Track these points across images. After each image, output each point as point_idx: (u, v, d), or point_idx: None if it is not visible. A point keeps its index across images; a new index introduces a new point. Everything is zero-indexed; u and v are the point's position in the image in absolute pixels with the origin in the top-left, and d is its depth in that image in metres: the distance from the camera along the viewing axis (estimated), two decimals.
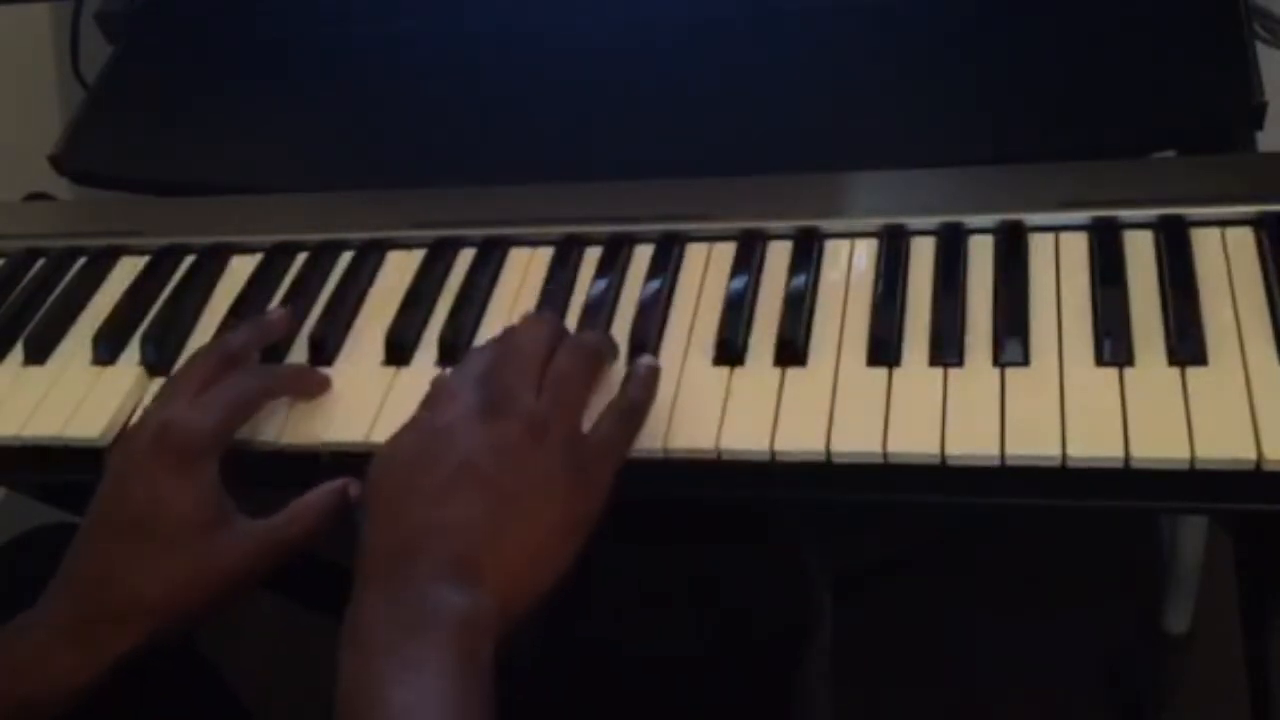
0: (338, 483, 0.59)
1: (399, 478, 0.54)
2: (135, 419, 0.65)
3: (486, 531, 0.52)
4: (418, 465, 0.54)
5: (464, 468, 0.53)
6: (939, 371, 0.59)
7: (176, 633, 0.58)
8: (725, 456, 0.58)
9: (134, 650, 0.56)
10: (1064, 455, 0.54)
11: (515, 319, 0.67)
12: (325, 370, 0.67)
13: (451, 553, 0.51)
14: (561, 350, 0.60)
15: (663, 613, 0.71)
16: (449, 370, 0.63)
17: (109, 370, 0.70)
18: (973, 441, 0.56)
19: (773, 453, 0.57)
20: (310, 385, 0.65)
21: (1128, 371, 0.57)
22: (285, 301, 0.71)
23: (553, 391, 0.57)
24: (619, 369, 0.62)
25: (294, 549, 0.59)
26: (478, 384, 0.57)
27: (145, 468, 0.58)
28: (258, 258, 0.75)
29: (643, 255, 0.69)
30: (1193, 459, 0.53)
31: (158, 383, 0.68)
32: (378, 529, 0.53)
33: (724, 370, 0.62)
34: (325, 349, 0.68)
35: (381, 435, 0.61)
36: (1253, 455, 0.53)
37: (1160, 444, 0.54)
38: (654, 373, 0.60)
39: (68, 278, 0.77)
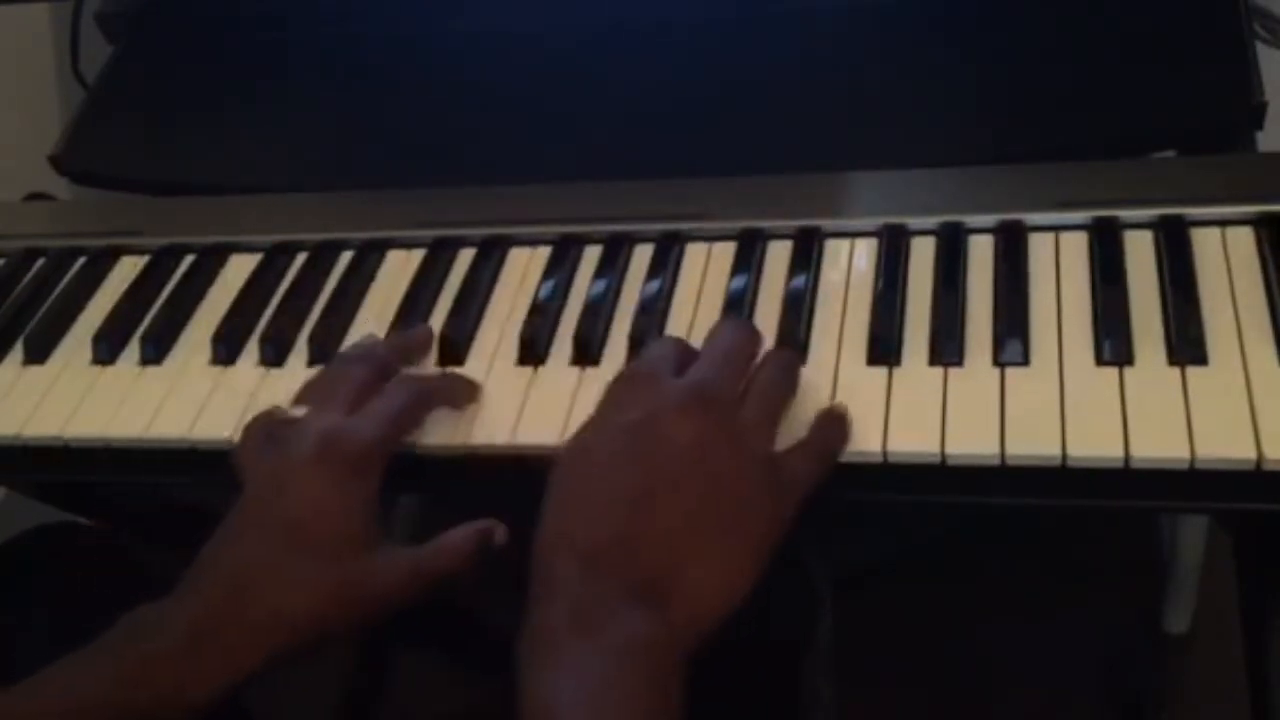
0: (483, 523, 0.57)
1: (591, 477, 0.51)
2: (251, 417, 0.62)
3: (682, 548, 0.49)
4: (611, 465, 0.51)
5: (664, 470, 0.50)
6: (939, 371, 0.59)
7: (304, 653, 0.54)
8: None
9: (263, 665, 0.53)
10: (1064, 455, 0.54)
11: (515, 319, 0.67)
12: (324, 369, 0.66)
13: (644, 570, 0.49)
14: (768, 361, 0.57)
15: None
16: (641, 352, 0.60)
17: (109, 370, 0.70)
18: (973, 441, 0.56)
19: None
20: (461, 393, 0.62)
21: (1128, 371, 0.57)
22: (285, 301, 0.71)
23: (759, 401, 0.55)
24: None
25: (438, 583, 0.56)
26: (679, 374, 0.54)
27: (308, 475, 0.55)
28: (258, 258, 0.75)
29: (643, 255, 0.69)
30: (1193, 459, 0.53)
31: (156, 380, 0.68)
32: (566, 529, 0.50)
33: None
34: (325, 349, 0.68)
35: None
36: (1253, 455, 0.53)
37: (1160, 444, 0.54)
38: (846, 420, 0.56)
39: (68, 278, 0.77)
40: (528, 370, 0.64)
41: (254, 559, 0.54)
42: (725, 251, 0.68)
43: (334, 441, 0.56)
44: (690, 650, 0.48)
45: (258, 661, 0.53)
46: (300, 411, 0.60)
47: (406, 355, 0.65)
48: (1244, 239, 0.63)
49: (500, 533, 0.57)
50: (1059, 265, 0.63)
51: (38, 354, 0.72)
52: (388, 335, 0.68)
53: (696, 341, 0.63)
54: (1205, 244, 0.63)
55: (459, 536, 0.56)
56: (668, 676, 0.47)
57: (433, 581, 0.56)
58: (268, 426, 0.60)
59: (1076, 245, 0.64)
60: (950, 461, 0.56)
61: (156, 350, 0.70)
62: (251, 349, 0.69)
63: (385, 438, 0.58)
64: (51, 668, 0.53)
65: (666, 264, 0.68)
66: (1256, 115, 0.70)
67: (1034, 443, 0.55)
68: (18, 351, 0.72)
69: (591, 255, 0.70)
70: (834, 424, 0.56)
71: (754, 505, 0.51)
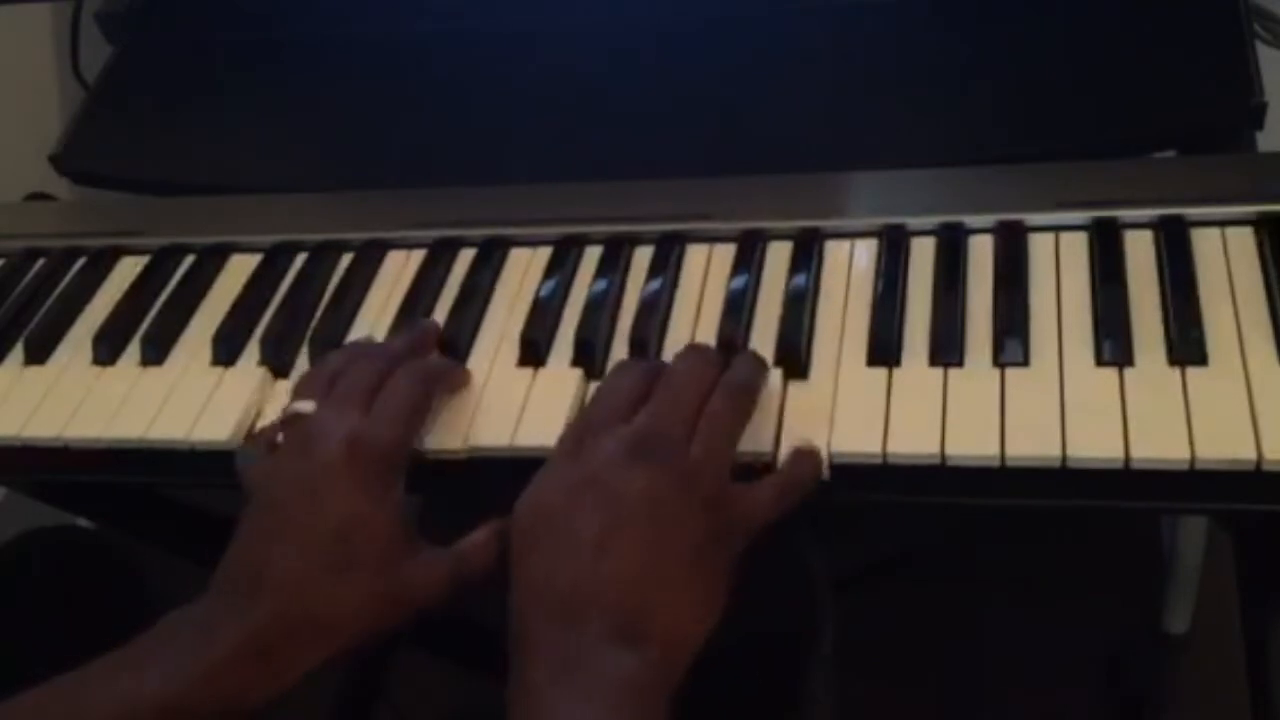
0: (500, 523, 0.56)
1: (552, 529, 0.52)
2: (264, 422, 0.63)
3: (648, 588, 0.50)
4: (570, 516, 0.52)
5: (619, 518, 0.51)
6: (939, 371, 0.59)
7: (356, 652, 0.55)
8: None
9: (319, 668, 0.54)
10: (1064, 455, 0.54)
11: (516, 320, 0.67)
12: None
13: (617, 612, 0.49)
14: (719, 392, 0.57)
15: None
16: (590, 396, 0.60)
17: (109, 371, 0.70)
18: (973, 442, 0.56)
19: (774, 453, 0.57)
20: (457, 380, 0.63)
21: (1128, 371, 0.57)
22: (285, 302, 0.71)
23: (706, 439, 0.55)
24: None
25: (476, 581, 0.56)
26: (631, 424, 0.55)
27: (342, 483, 0.55)
28: (258, 258, 0.75)
29: (643, 255, 0.69)
30: (1193, 459, 0.53)
31: (156, 381, 0.68)
32: (534, 587, 0.51)
33: None
34: (326, 349, 0.68)
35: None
36: (1253, 455, 0.53)
37: (1160, 444, 0.54)
38: (818, 459, 0.57)
39: (68, 278, 0.77)
40: (528, 371, 0.64)
41: (302, 574, 0.54)
42: (726, 252, 0.68)
43: (362, 447, 0.56)
44: (672, 684, 0.49)
45: (315, 665, 0.54)
46: (306, 407, 0.60)
47: (413, 350, 0.65)
48: (1244, 239, 0.63)
49: None
50: (1059, 265, 0.63)
51: (38, 354, 0.72)
52: (390, 333, 0.68)
53: (697, 341, 0.64)
54: (1205, 244, 0.63)
55: (486, 536, 0.57)
56: (654, 713, 0.47)
57: (473, 579, 0.56)
58: (278, 428, 0.60)
59: (1076, 245, 0.64)
60: (950, 462, 0.56)
61: (157, 351, 0.70)
62: (252, 350, 0.69)
63: (408, 437, 0.58)
64: (80, 672, 0.53)
65: (667, 265, 0.68)
66: (1256, 115, 0.70)
67: (1034, 443, 0.55)
68: (18, 352, 0.72)
69: (592, 256, 0.70)
70: (803, 461, 0.57)
71: (708, 540, 0.52)
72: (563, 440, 0.57)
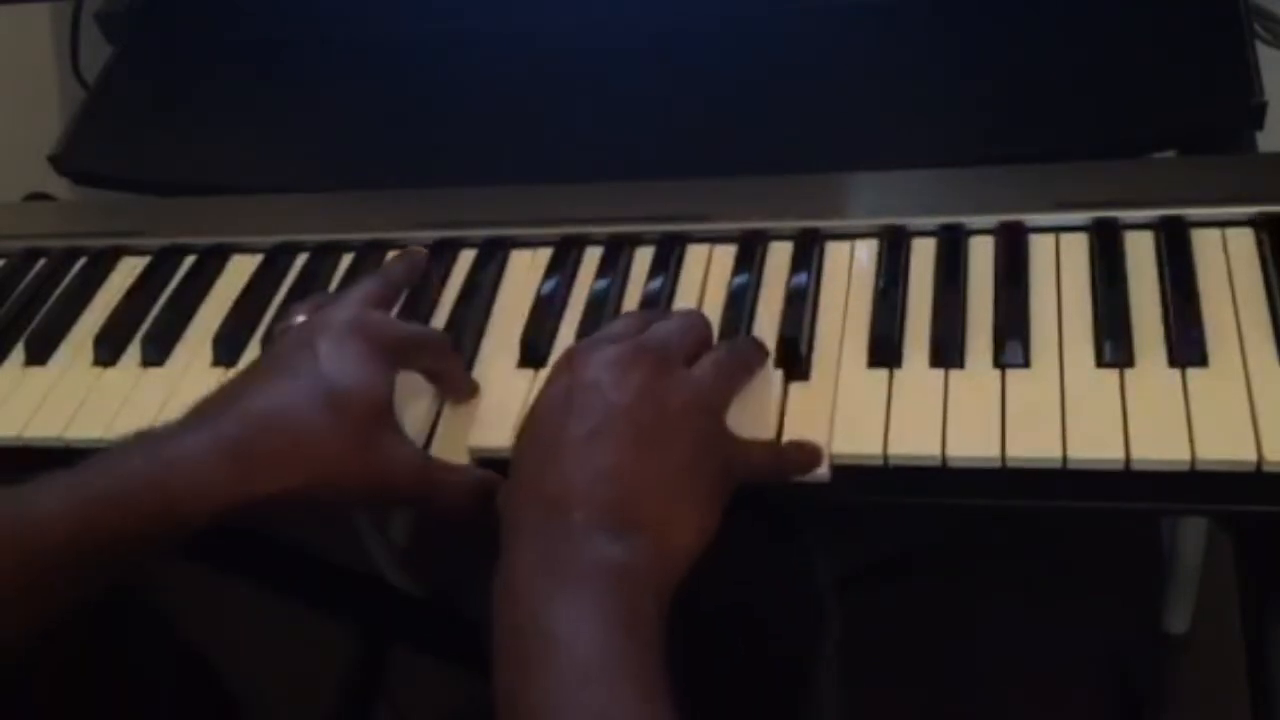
0: (491, 474, 0.58)
1: (546, 430, 0.53)
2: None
3: (639, 477, 0.50)
4: (564, 416, 0.52)
5: (612, 412, 0.52)
6: (940, 373, 0.59)
7: (304, 509, 0.55)
8: None
9: (270, 501, 0.53)
10: (1064, 456, 0.54)
11: (517, 319, 0.67)
12: None
13: (605, 501, 0.50)
14: (722, 344, 0.60)
15: (673, 617, 0.71)
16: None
17: (110, 371, 0.70)
18: (973, 442, 0.56)
19: None
20: (465, 390, 0.63)
21: (1128, 372, 0.57)
22: (286, 302, 0.71)
23: (713, 365, 0.56)
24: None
25: (439, 501, 0.57)
26: (623, 337, 0.56)
27: (340, 340, 0.57)
28: (258, 258, 0.75)
29: (644, 256, 0.69)
30: (1193, 460, 0.53)
31: (157, 381, 0.68)
32: (527, 482, 0.52)
33: None
34: None
35: None
36: (1253, 456, 0.53)
37: (1160, 445, 0.54)
38: (817, 454, 0.57)
39: (68, 278, 0.77)
40: (529, 372, 0.64)
41: (286, 403, 0.55)
42: (726, 253, 0.68)
43: (368, 319, 0.58)
44: (662, 583, 0.49)
45: (270, 492, 0.53)
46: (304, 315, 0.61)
47: (416, 274, 0.68)
48: (1244, 239, 0.63)
49: (503, 495, 0.56)
50: (1059, 266, 0.63)
51: (39, 355, 0.72)
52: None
53: None
54: (1205, 244, 0.63)
55: (469, 472, 0.58)
56: (641, 603, 0.47)
57: (432, 493, 0.57)
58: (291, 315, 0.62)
59: (1076, 246, 0.64)
60: (951, 463, 0.56)
61: (157, 351, 0.70)
62: (253, 350, 0.69)
63: (413, 342, 0.60)
64: (50, 475, 0.53)
65: (668, 265, 0.68)
66: (1256, 115, 0.70)
67: (1034, 445, 0.55)
68: (19, 353, 0.72)
69: (593, 256, 0.70)
70: (804, 446, 0.57)
71: (703, 449, 0.53)
72: (562, 357, 0.57)
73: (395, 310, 0.66)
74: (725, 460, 0.54)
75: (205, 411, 0.55)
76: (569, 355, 0.57)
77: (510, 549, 0.49)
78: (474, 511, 0.57)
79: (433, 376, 0.63)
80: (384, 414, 0.56)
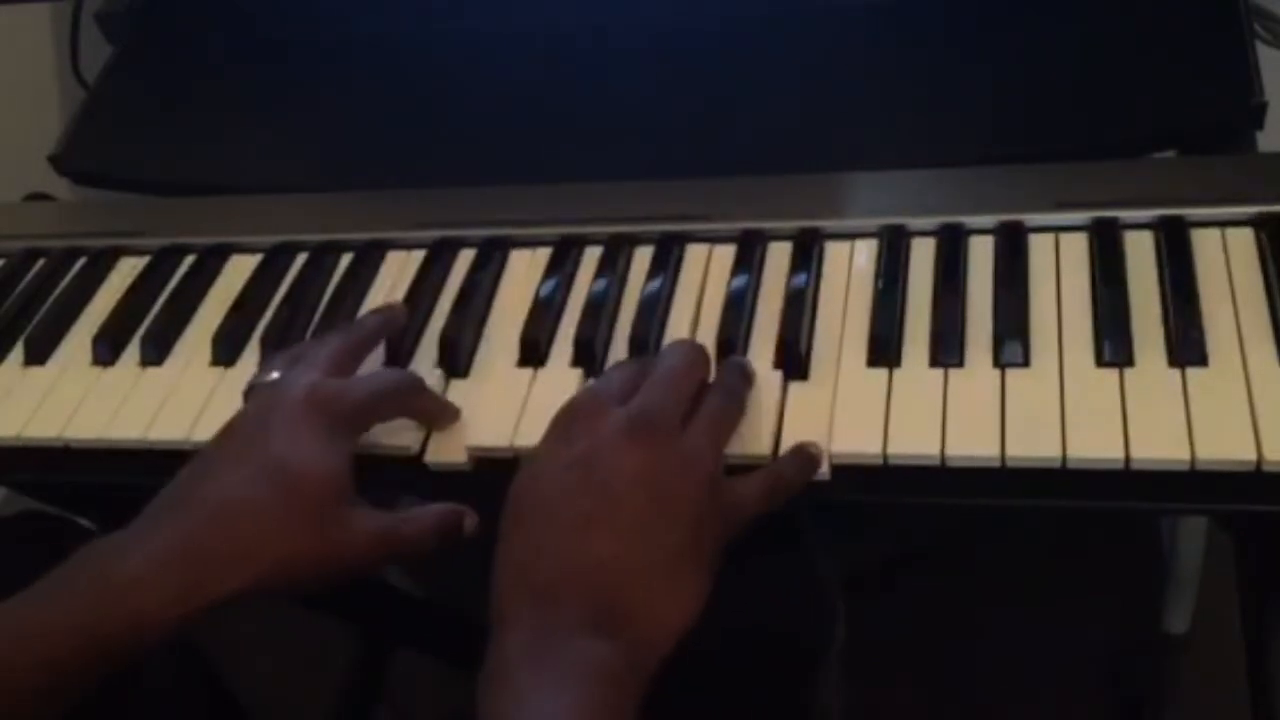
0: (457, 507, 0.57)
1: (538, 511, 0.52)
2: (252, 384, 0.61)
3: (633, 568, 0.50)
4: (557, 497, 0.51)
5: (609, 500, 0.51)
6: (939, 372, 0.59)
7: (266, 596, 0.54)
8: (727, 459, 0.58)
9: (226, 599, 0.52)
10: (1064, 456, 0.54)
11: (516, 320, 0.67)
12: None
13: (596, 594, 0.49)
14: (715, 386, 0.58)
15: None
16: (589, 382, 0.61)
17: (109, 371, 0.70)
18: (973, 442, 0.56)
19: (774, 454, 0.57)
20: (446, 419, 0.62)
21: (1128, 372, 0.57)
22: (285, 302, 0.71)
23: (704, 426, 0.55)
24: None
25: (405, 552, 0.56)
26: (625, 402, 0.54)
27: (293, 419, 0.55)
28: (258, 258, 0.75)
29: (643, 256, 0.69)
30: (1193, 460, 0.53)
31: (156, 381, 0.68)
32: (516, 566, 0.51)
33: None
34: None
35: (379, 434, 0.61)
36: (1253, 456, 0.53)
37: (1160, 445, 0.54)
38: (811, 457, 0.56)
39: (68, 278, 0.77)
40: (528, 372, 0.64)
41: (236, 494, 0.53)
42: (726, 253, 0.68)
43: (322, 393, 0.57)
44: (649, 673, 0.48)
45: (224, 594, 0.52)
46: (272, 376, 0.60)
47: (388, 331, 0.66)
48: (1244, 239, 0.63)
49: (470, 521, 0.57)
50: (1059, 266, 0.63)
51: (38, 355, 0.72)
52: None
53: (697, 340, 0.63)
54: (1205, 244, 0.63)
55: (432, 511, 0.57)
56: (626, 703, 0.47)
57: (403, 549, 0.56)
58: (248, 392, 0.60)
59: (1076, 246, 0.64)
60: (950, 463, 0.56)
61: (157, 351, 0.70)
62: (252, 350, 0.69)
63: (367, 401, 0.58)
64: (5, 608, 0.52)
65: (667, 265, 0.68)
66: (1256, 115, 0.70)
67: (1034, 444, 0.55)
68: (18, 352, 0.72)
69: (592, 256, 0.70)
70: (795, 459, 0.57)
71: (699, 526, 0.52)
72: (555, 424, 0.56)
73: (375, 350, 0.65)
74: (723, 521, 0.53)
75: (159, 508, 0.54)
76: (563, 423, 0.55)
77: (498, 634, 0.49)
78: (444, 546, 0.56)
79: (410, 415, 0.62)
80: (340, 491, 0.55)
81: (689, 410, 0.56)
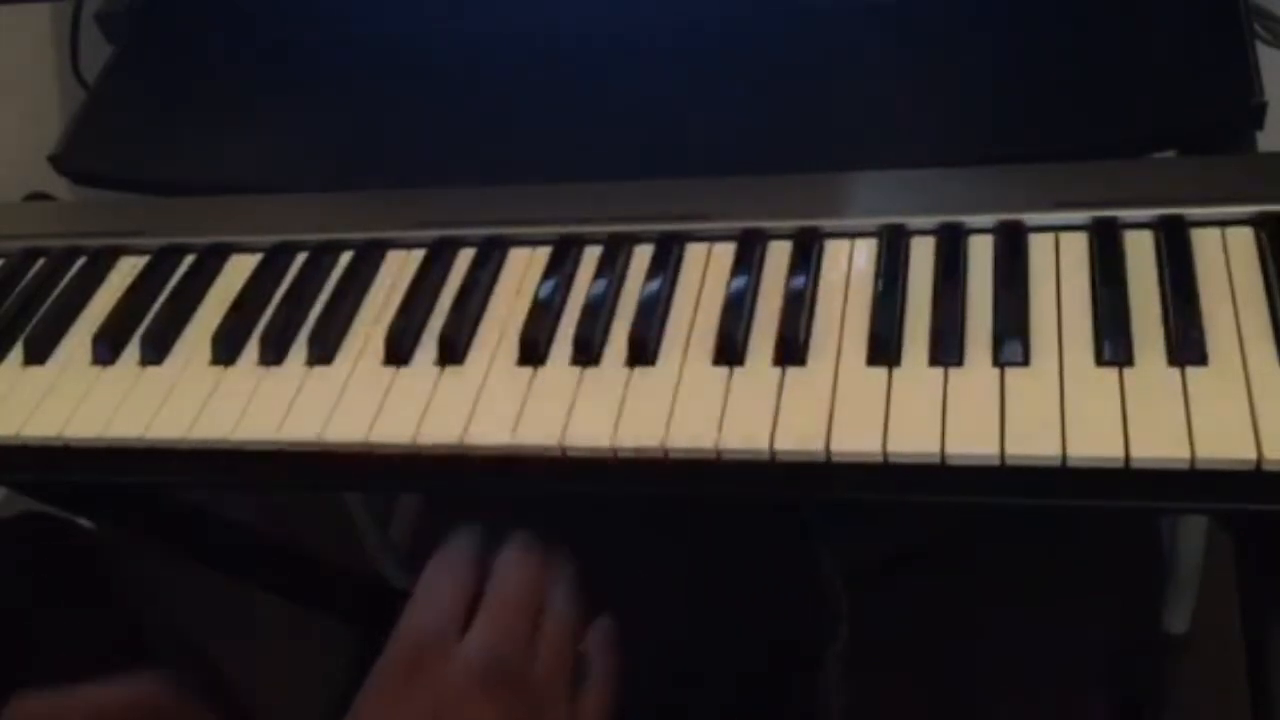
0: None
1: None
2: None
3: None
4: None
5: None
6: (939, 371, 0.59)
7: None
8: (725, 456, 0.58)
9: None
10: (1064, 455, 0.54)
11: (515, 319, 0.67)
12: (324, 368, 0.67)
13: None
14: (555, 598, 0.54)
15: (682, 616, 0.70)
16: (415, 601, 0.54)
17: (109, 370, 0.70)
18: (973, 441, 0.56)
19: (773, 452, 0.57)
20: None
21: (1128, 371, 0.57)
22: (285, 301, 0.71)
23: (551, 653, 0.52)
24: None
25: None
26: (471, 645, 0.50)
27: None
28: (258, 258, 0.75)
29: (642, 255, 0.69)
30: (1193, 459, 0.53)
31: (156, 381, 0.68)
32: None
33: (724, 370, 0.62)
34: (325, 349, 0.68)
35: (379, 434, 0.61)
36: (1253, 455, 0.53)
37: (1160, 444, 0.54)
38: (613, 645, 0.55)
39: (68, 278, 0.77)
40: (528, 370, 0.64)
41: None
42: (725, 252, 0.68)
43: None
44: None
45: None
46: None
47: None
48: (1244, 239, 0.63)
49: None
50: (1059, 265, 0.63)
51: (38, 354, 0.72)
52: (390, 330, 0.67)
53: (696, 341, 0.63)
54: (1205, 244, 0.63)
55: None
56: None
57: None
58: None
59: (1076, 245, 0.64)
60: (950, 461, 0.56)
61: (156, 351, 0.70)
62: (251, 349, 0.69)
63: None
64: None
65: (666, 264, 0.68)
66: (1256, 115, 0.70)
67: (1034, 443, 0.55)
68: (18, 352, 0.72)
69: (591, 256, 0.70)
70: (606, 651, 0.55)
71: None
72: (390, 664, 0.51)
73: None
74: None
75: None
76: (411, 659, 0.50)
77: None
78: None
79: None
80: None
81: (533, 629, 0.52)
